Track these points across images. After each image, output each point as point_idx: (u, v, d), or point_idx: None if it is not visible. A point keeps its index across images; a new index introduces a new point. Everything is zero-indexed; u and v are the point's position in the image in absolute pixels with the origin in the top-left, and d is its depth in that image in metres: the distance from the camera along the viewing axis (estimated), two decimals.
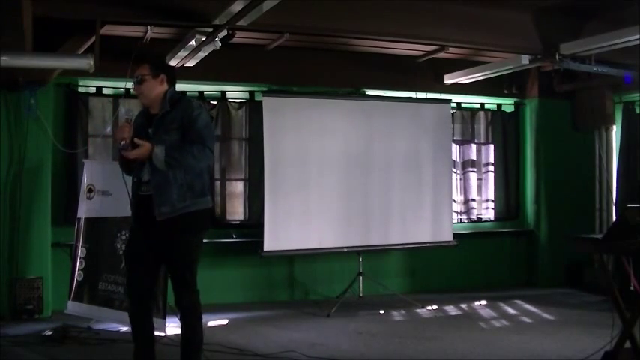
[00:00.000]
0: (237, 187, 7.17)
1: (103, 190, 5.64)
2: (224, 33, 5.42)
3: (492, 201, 8.14)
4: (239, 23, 5.11)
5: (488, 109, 8.19)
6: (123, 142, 3.56)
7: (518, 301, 6.95)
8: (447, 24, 6.38)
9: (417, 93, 7.57)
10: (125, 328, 5.42)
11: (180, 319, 3.68)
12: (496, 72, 7.08)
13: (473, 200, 8.03)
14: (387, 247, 7.18)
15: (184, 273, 3.64)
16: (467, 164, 8.01)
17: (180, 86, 6.64)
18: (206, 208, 3.71)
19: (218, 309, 6.29)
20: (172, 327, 5.02)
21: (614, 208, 7.66)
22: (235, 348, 4.92)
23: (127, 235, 3.93)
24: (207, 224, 3.81)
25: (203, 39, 5.54)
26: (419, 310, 6.54)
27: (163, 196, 3.55)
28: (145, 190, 3.61)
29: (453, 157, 7.73)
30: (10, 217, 6.05)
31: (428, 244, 7.27)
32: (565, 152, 8.04)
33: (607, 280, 4.39)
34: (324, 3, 5.85)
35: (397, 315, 6.40)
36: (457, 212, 7.87)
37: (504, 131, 8.20)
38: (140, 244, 3.67)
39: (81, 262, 5.66)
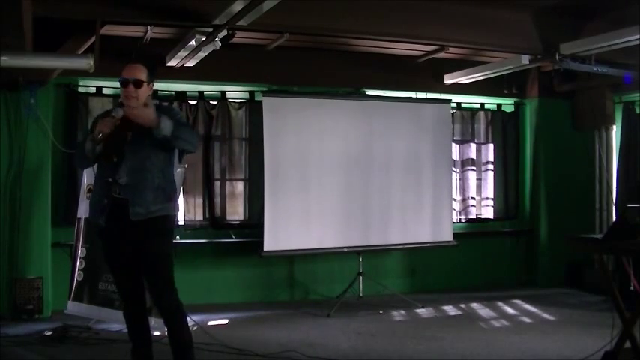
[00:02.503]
0: (237, 187, 7.17)
1: None
2: (224, 33, 5.42)
3: (492, 199, 8.14)
4: (239, 23, 5.11)
5: (488, 109, 8.19)
6: (100, 135, 3.48)
7: (518, 301, 6.95)
8: (447, 24, 6.38)
9: (417, 93, 7.57)
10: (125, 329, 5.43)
11: (167, 321, 3.66)
12: (496, 72, 7.08)
13: (472, 199, 8.04)
14: (387, 247, 7.18)
15: (163, 271, 3.64)
16: (466, 163, 8.02)
17: (180, 86, 6.71)
18: (175, 213, 3.78)
19: (218, 309, 6.30)
20: None
21: (614, 208, 7.66)
22: (235, 348, 4.92)
23: (98, 236, 3.78)
24: (174, 227, 3.86)
25: (203, 39, 5.53)
26: (419, 310, 6.54)
27: (139, 197, 3.52)
28: (122, 194, 3.53)
29: (453, 157, 7.73)
30: (10, 217, 6.05)
31: (428, 244, 7.27)
32: (565, 152, 8.04)
33: (607, 280, 4.39)
34: (324, 3, 5.85)
35: (397, 315, 6.40)
36: (456, 210, 7.87)
37: (504, 131, 8.20)
38: (115, 252, 3.63)
39: (81, 262, 5.66)
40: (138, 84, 3.58)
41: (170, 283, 3.66)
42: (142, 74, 3.61)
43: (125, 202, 3.52)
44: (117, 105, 3.71)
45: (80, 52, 5.69)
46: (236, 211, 7.14)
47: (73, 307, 5.64)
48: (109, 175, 3.56)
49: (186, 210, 6.83)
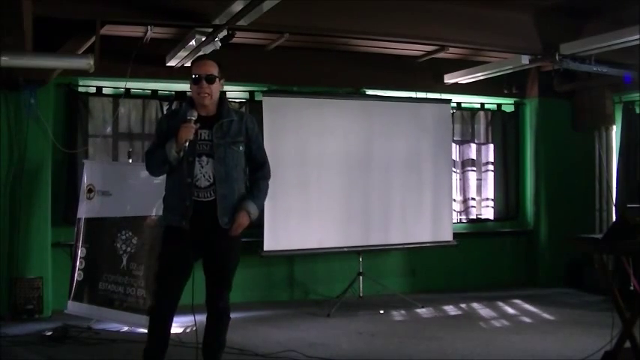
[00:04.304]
0: None
1: (103, 190, 5.64)
2: (224, 33, 5.42)
3: (492, 199, 8.14)
4: (239, 23, 5.11)
5: (489, 109, 8.19)
6: (187, 143, 3.45)
7: (518, 301, 6.95)
8: (447, 24, 6.38)
9: (417, 93, 7.57)
10: (125, 328, 5.43)
11: (217, 320, 3.67)
12: (496, 72, 7.08)
13: (473, 199, 8.04)
14: (387, 247, 7.17)
15: (232, 275, 3.69)
16: (466, 163, 8.02)
17: (180, 86, 6.70)
18: None
19: None
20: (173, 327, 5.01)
21: (614, 208, 7.66)
22: (235, 348, 4.91)
23: (164, 238, 3.67)
24: None
25: (203, 39, 5.53)
26: (419, 310, 6.54)
27: (227, 206, 3.55)
28: (204, 196, 3.52)
29: (453, 157, 7.73)
30: (10, 217, 6.05)
31: (428, 244, 7.27)
32: (565, 152, 8.04)
33: (607, 280, 4.39)
34: (324, 3, 5.85)
35: (397, 315, 6.40)
36: (456, 211, 7.87)
37: (504, 131, 8.20)
38: (184, 254, 3.53)
39: (81, 262, 5.65)
40: (211, 80, 3.54)
41: (231, 285, 3.70)
42: (215, 70, 3.57)
43: (208, 206, 3.52)
44: (187, 103, 3.63)
45: (80, 52, 5.70)
46: None
47: (73, 307, 5.64)
48: (187, 176, 3.51)
49: None
